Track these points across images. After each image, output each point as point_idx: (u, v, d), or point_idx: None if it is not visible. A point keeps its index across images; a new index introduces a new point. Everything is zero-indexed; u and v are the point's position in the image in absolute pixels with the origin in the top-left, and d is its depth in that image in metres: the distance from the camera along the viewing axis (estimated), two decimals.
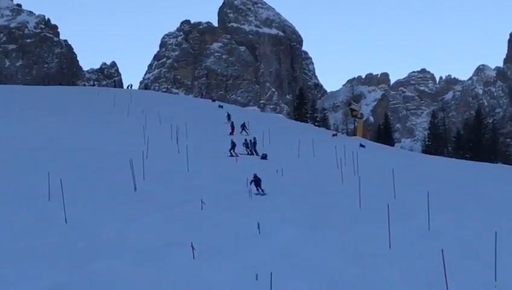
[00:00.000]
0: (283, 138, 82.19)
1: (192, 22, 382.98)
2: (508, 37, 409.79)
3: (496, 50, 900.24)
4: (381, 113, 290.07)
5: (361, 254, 32.65)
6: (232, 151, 65.77)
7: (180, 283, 26.41)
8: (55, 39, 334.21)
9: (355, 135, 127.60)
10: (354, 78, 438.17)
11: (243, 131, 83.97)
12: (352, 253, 32.84)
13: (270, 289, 25.93)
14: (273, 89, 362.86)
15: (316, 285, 27.01)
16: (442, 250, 24.33)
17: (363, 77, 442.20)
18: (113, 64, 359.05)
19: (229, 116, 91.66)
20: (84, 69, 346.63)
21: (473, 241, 36.21)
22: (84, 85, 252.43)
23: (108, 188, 46.25)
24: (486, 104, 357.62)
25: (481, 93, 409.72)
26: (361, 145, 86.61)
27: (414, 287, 27.28)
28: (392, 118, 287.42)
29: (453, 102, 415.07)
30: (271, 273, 26.20)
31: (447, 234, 37.21)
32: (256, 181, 47.47)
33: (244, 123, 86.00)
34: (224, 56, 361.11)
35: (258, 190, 47.18)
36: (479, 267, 30.20)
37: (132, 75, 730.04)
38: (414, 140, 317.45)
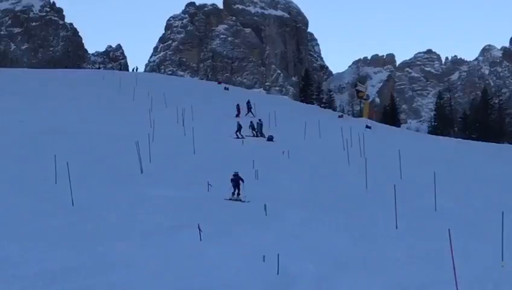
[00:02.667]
0: (289, 119, 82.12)
1: (197, 4, 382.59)
2: None
3: (502, 30, 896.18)
4: (387, 95, 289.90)
5: (368, 235, 32.69)
6: (238, 133, 65.77)
7: (187, 265, 26.45)
8: (61, 22, 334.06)
9: (361, 116, 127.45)
10: (359, 60, 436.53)
11: (249, 113, 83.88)
12: (359, 234, 32.87)
13: (277, 270, 25.98)
14: (279, 71, 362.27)
15: (323, 266, 27.03)
16: (449, 230, 24.32)
17: (369, 58, 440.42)
18: (119, 47, 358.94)
19: (248, 103, 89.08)
20: (89, 52, 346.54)
21: (480, 221, 36.26)
22: (90, 68, 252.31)
23: (114, 170, 46.30)
24: (492, 84, 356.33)
25: (487, 73, 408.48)
26: (367, 127, 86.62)
27: (421, 267, 27.29)
28: (398, 99, 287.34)
29: (459, 83, 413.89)
30: (278, 254, 26.24)
31: (453, 214, 37.26)
32: (236, 181, 39.95)
33: (249, 102, 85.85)
34: (229, 38, 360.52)
35: (234, 193, 39.80)
36: (485, 247, 30.22)
37: (138, 57, 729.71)
38: (420, 121, 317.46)
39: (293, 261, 27.17)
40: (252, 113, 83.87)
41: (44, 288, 23.28)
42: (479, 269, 27.05)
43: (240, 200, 39.44)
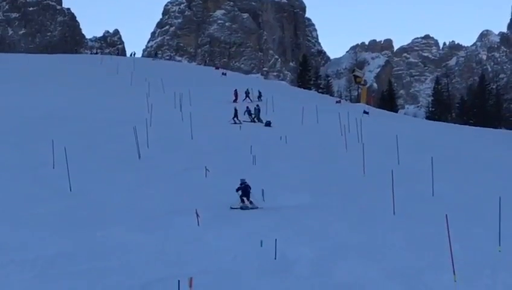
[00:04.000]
0: (287, 105, 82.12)
1: None
2: None
3: (500, 15, 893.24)
4: (385, 80, 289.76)
5: (365, 220, 32.75)
6: (235, 118, 65.77)
7: (185, 250, 26.51)
8: (58, 7, 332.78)
9: (358, 102, 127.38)
10: (357, 45, 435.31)
11: (247, 98, 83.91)
12: (356, 219, 32.93)
13: (275, 255, 26.04)
14: (276, 56, 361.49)
15: (320, 251, 27.08)
16: (446, 215, 24.36)
17: (367, 43, 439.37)
18: (116, 32, 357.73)
19: (259, 94, 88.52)
20: (87, 37, 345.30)
21: (477, 206, 36.32)
22: (88, 53, 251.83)
23: (112, 156, 46.32)
24: (490, 69, 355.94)
25: (485, 59, 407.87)
26: (365, 112, 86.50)
27: (418, 252, 27.35)
28: (395, 84, 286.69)
29: (456, 68, 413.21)
30: (275, 240, 26.30)
31: (450, 199, 37.32)
32: (244, 190, 35.53)
33: (248, 90, 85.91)
34: (227, 23, 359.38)
35: (244, 201, 35.27)
36: (482, 232, 30.27)
37: (135, 43, 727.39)
38: (418, 106, 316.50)
39: (291, 246, 27.22)
40: (250, 99, 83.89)
41: (42, 273, 23.34)
42: (477, 255, 27.10)
43: (255, 207, 34.96)
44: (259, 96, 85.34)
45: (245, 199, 35.19)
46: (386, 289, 22.98)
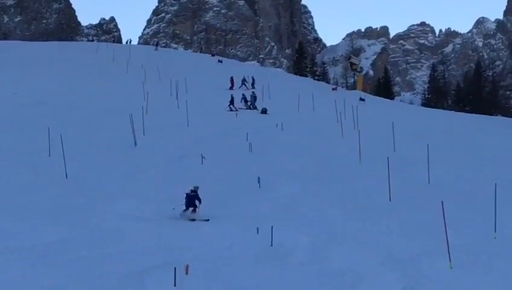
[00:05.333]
0: (283, 92, 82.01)
1: None
2: None
3: (496, 2, 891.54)
4: (381, 67, 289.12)
5: (361, 207, 32.81)
6: (231, 106, 65.71)
7: (180, 237, 26.55)
8: None
9: (355, 89, 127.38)
10: (353, 32, 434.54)
11: (243, 86, 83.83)
12: (353, 206, 32.99)
13: (271, 242, 26.09)
14: (273, 44, 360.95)
15: (317, 238, 27.15)
16: (442, 202, 24.42)
17: (363, 30, 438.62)
18: (112, 19, 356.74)
19: (253, 80, 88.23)
20: (82, 24, 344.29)
21: (473, 193, 36.40)
22: (84, 41, 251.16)
23: (108, 143, 46.28)
24: (486, 56, 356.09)
25: (481, 46, 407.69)
26: (361, 99, 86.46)
27: (414, 239, 27.43)
28: (391, 71, 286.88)
29: (452, 55, 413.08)
30: (272, 226, 26.35)
31: (446, 186, 37.39)
32: (190, 198, 30.66)
33: (245, 78, 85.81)
34: (223, 11, 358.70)
35: (185, 210, 30.55)
36: (478, 219, 30.37)
37: (131, 30, 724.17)
38: (414, 93, 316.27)
39: (287, 233, 27.28)
40: (246, 86, 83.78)
41: (38, 260, 23.35)
42: (472, 241, 27.19)
43: (200, 219, 30.13)
44: (253, 82, 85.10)
45: (191, 208, 30.49)
46: (382, 276, 23.03)
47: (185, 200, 30.46)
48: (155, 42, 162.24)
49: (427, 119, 74.80)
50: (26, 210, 29.72)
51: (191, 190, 30.84)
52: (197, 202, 30.39)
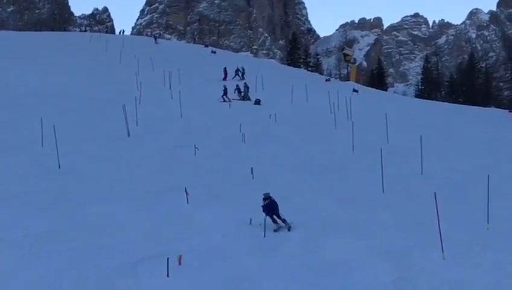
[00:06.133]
0: (276, 83, 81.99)
1: None
2: None
3: None
4: (375, 58, 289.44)
5: (354, 198, 32.85)
6: (224, 96, 65.67)
7: (173, 228, 26.54)
8: None
9: (348, 80, 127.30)
10: (347, 23, 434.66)
11: (236, 76, 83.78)
12: (346, 197, 33.02)
13: (264, 233, 26.11)
14: (266, 35, 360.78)
15: (310, 228, 27.17)
16: (435, 193, 24.45)
17: (356, 21, 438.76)
18: (105, 9, 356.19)
19: (243, 71, 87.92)
20: (75, 14, 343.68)
21: (466, 184, 36.49)
22: (76, 31, 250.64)
23: (101, 133, 46.21)
24: (479, 48, 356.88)
25: (474, 37, 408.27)
26: (355, 90, 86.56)
27: (407, 230, 27.46)
28: (385, 62, 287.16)
29: (446, 46, 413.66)
30: (264, 218, 26.38)
31: (439, 177, 37.46)
32: (270, 207, 27.99)
33: (238, 68, 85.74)
34: (216, 1, 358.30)
35: (276, 221, 27.81)
36: (471, 210, 30.43)
37: (124, 20, 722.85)
38: (407, 85, 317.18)
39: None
40: (239, 76, 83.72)
41: (31, 250, 23.34)
42: (465, 233, 27.23)
43: (289, 226, 27.68)
44: (243, 73, 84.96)
45: (276, 218, 27.89)
46: (375, 267, 23.06)
47: (265, 210, 27.75)
48: (154, 35, 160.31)
49: (420, 111, 74.93)
50: (19, 200, 29.68)
51: (265, 197, 28.26)
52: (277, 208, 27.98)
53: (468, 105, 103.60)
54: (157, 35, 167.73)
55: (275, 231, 27.13)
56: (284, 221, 27.68)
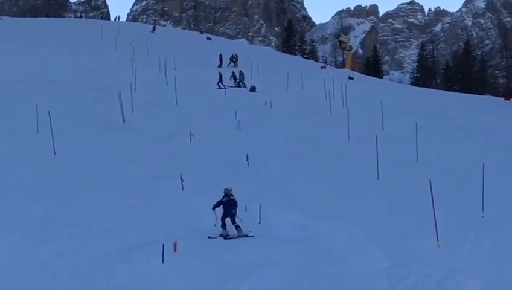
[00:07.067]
0: (272, 70, 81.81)
1: None
2: None
3: None
4: (370, 46, 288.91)
5: (349, 185, 32.90)
6: (220, 83, 65.56)
7: (169, 214, 26.56)
8: None
9: (343, 67, 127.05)
10: (342, 10, 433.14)
11: (231, 63, 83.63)
12: (341, 184, 33.08)
13: (259, 220, 26.13)
14: (262, 22, 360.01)
15: (305, 215, 27.19)
16: (430, 181, 24.47)
17: (352, 8, 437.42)
18: None
19: (236, 57, 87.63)
20: (71, 0, 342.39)
21: (461, 172, 36.53)
22: (71, 17, 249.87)
23: (96, 120, 46.13)
24: (475, 36, 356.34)
25: (470, 25, 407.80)
26: (350, 78, 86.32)
27: (402, 217, 27.51)
28: (380, 50, 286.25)
29: (441, 34, 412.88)
30: (260, 204, 26.38)
31: (435, 165, 37.48)
32: (227, 206, 25.48)
33: (233, 55, 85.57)
34: None
35: (225, 226, 25.16)
36: (466, 198, 30.47)
37: (119, 7, 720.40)
38: (403, 72, 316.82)
39: (275, 211, 27.32)
40: (234, 64, 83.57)
41: (26, 236, 23.31)
42: (460, 220, 27.30)
43: (243, 234, 25.00)
44: (236, 60, 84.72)
45: (226, 221, 25.28)
46: (370, 254, 23.09)
47: (217, 210, 25.42)
48: (154, 24, 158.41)
49: (415, 98, 74.85)
50: (13, 186, 29.67)
51: (224, 194, 25.76)
52: (236, 210, 25.37)
53: (463, 93, 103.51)
54: (155, 24, 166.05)
55: (221, 235, 24.80)
56: (237, 228, 24.85)
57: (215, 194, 29.56)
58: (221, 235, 24.73)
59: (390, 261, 22.43)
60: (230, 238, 24.52)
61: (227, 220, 25.21)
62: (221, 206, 25.44)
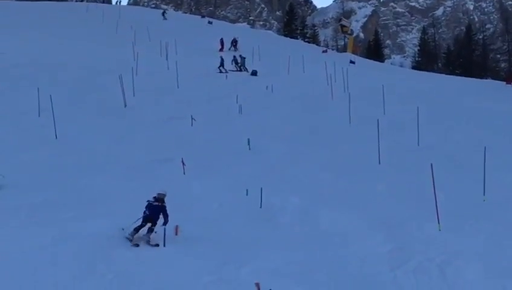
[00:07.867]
0: (273, 54, 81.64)
1: None
2: None
3: None
4: (372, 30, 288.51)
5: (350, 169, 32.86)
6: (221, 68, 65.45)
7: (170, 199, 26.49)
8: None
9: (345, 51, 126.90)
10: None
11: (232, 47, 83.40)
12: (342, 168, 33.03)
13: (260, 203, 26.15)
14: (263, 5, 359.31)
15: (306, 200, 27.19)
16: (431, 165, 24.47)
17: None
18: None
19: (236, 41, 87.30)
20: None
21: (462, 156, 36.45)
22: (73, 1, 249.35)
23: (98, 104, 46.12)
24: (476, 20, 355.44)
25: (472, 9, 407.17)
26: (351, 62, 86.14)
27: (403, 201, 27.52)
28: (382, 34, 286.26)
29: (443, 18, 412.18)
30: (261, 188, 26.38)
31: (436, 149, 37.41)
32: (154, 212, 22.75)
33: (234, 39, 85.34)
34: None
35: (139, 230, 22.47)
36: (467, 182, 30.42)
37: None
38: (404, 56, 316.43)
39: (276, 195, 27.32)
40: (234, 47, 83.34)
41: (27, 220, 23.39)
42: (461, 204, 27.30)
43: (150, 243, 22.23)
44: (236, 43, 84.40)
45: (146, 226, 22.61)
46: (370, 238, 23.14)
47: (144, 212, 22.83)
48: (163, 10, 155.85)
49: (417, 82, 74.68)
50: (14, 169, 29.67)
51: (155, 198, 23.21)
52: (160, 219, 22.71)
53: (465, 77, 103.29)
54: (165, 10, 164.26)
55: (127, 238, 22.35)
56: (150, 229, 22.34)
57: (217, 178, 29.70)
58: (127, 238, 22.23)
59: (391, 245, 22.49)
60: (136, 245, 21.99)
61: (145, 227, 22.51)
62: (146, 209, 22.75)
